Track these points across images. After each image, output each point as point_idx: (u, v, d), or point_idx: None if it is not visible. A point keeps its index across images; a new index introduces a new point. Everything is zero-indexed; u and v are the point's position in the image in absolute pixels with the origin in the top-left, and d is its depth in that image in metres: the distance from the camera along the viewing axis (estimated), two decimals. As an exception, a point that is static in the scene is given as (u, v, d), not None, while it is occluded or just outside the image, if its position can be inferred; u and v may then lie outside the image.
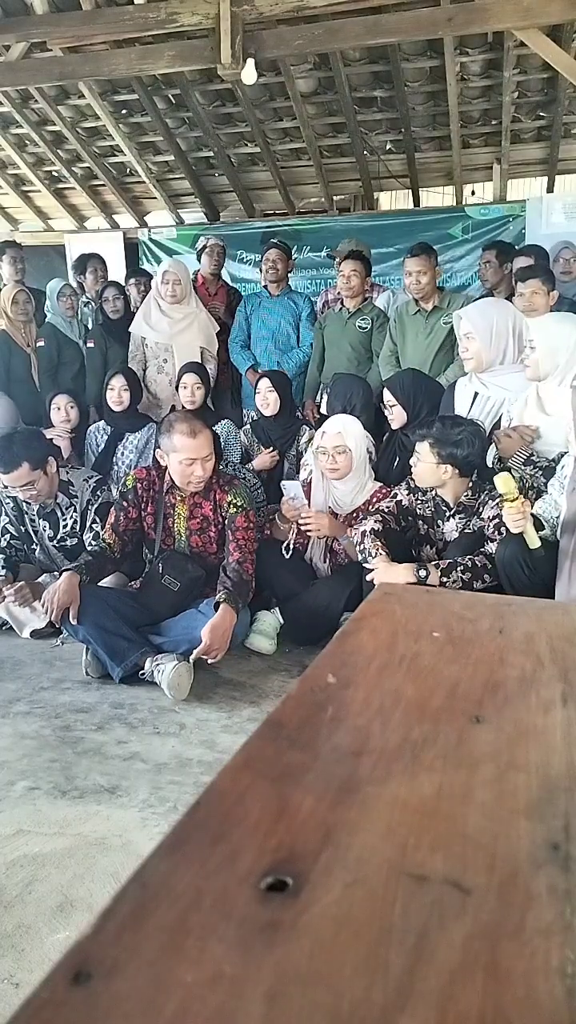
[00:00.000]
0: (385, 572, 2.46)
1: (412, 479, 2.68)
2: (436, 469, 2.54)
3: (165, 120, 5.96)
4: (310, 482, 3.03)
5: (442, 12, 4.17)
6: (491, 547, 2.43)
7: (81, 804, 1.85)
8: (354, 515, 2.90)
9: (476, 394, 3.00)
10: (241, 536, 2.71)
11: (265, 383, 3.61)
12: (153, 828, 1.74)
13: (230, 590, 2.57)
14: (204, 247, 4.82)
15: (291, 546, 2.90)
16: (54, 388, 4.10)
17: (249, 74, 4.24)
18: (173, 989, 0.36)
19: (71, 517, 3.11)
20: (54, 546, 3.14)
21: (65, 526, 3.12)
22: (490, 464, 2.69)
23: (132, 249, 6.96)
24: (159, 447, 2.75)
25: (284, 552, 2.90)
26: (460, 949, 0.39)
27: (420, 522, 2.71)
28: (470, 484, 2.60)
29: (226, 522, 2.75)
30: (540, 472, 2.59)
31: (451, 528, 2.63)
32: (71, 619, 2.55)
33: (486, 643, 0.79)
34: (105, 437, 3.78)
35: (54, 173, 6.80)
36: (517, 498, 2.22)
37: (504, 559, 2.34)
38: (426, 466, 2.55)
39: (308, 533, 2.88)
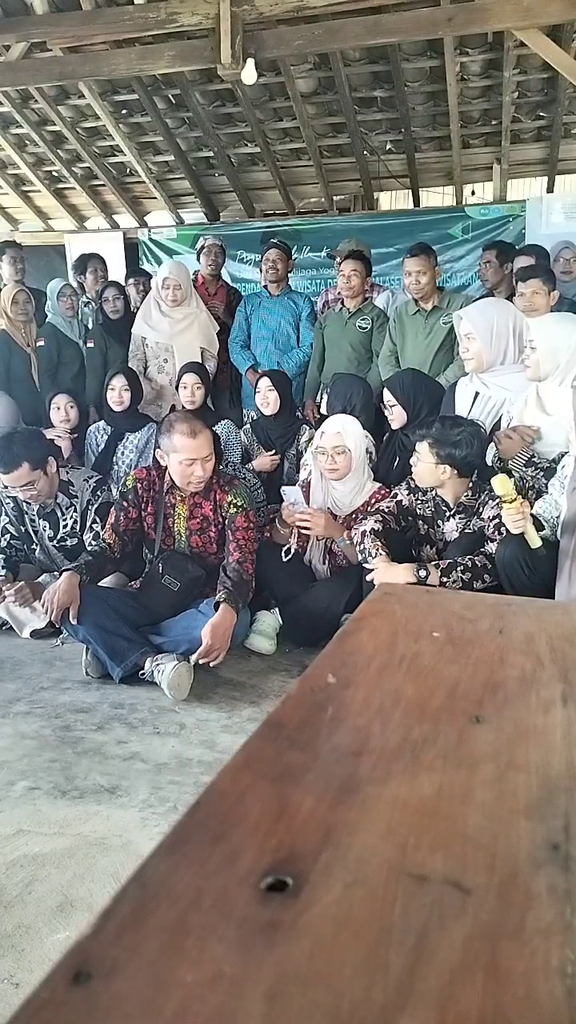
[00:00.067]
0: (385, 572, 2.46)
1: (412, 479, 2.68)
2: (435, 469, 2.54)
3: (165, 120, 5.96)
4: (309, 482, 3.03)
5: (442, 12, 4.17)
6: (491, 547, 2.43)
7: (81, 804, 1.85)
8: (353, 516, 2.90)
9: (477, 394, 3.00)
10: (241, 536, 2.71)
11: (265, 382, 3.61)
12: (153, 828, 1.74)
13: (230, 590, 2.57)
14: (203, 247, 4.83)
15: (291, 550, 2.90)
16: (54, 388, 4.09)
17: (249, 74, 4.24)
18: (173, 989, 0.36)
19: (71, 517, 3.11)
20: (54, 546, 3.14)
21: (65, 526, 3.12)
22: (490, 464, 2.69)
23: (132, 249, 6.96)
24: (159, 447, 2.76)
25: (283, 556, 2.89)
26: (460, 949, 0.39)
27: (420, 522, 2.71)
28: (470, 484, 2.60)
29: (226, 522, 2.75)
30: (541, 473, 2.59)
31: (451, 528, 2.63)
32: (71, 619, 2.55)
33: (486, 643, 0.79)
34: (105, 437, 3.78)
35: (54, 173, 6.80)
36: (515, 499, 2.22)
37: (504, 559, 2.34)
38: (425, 466, 2.56)
39: (305, 532, 2.88)
